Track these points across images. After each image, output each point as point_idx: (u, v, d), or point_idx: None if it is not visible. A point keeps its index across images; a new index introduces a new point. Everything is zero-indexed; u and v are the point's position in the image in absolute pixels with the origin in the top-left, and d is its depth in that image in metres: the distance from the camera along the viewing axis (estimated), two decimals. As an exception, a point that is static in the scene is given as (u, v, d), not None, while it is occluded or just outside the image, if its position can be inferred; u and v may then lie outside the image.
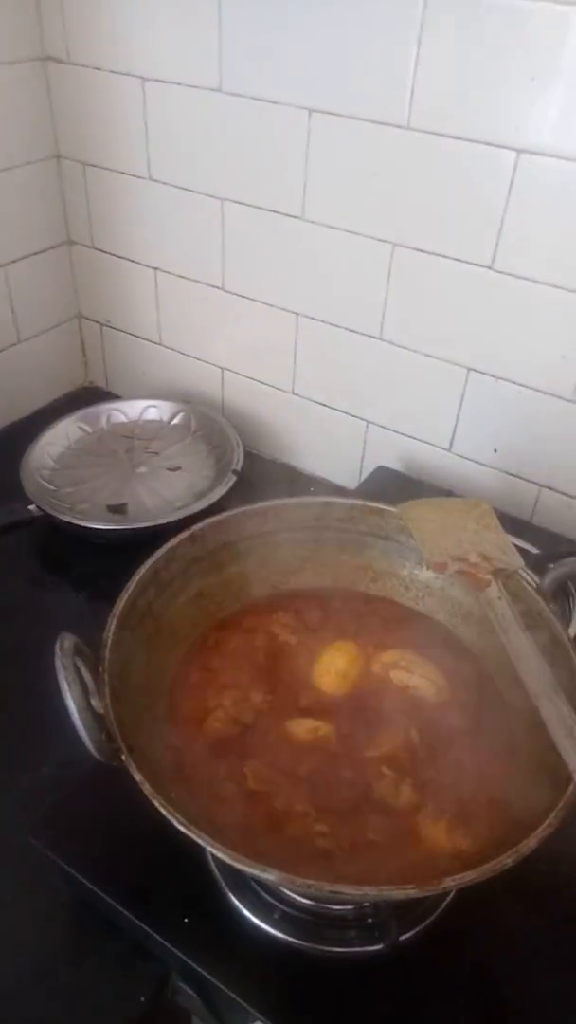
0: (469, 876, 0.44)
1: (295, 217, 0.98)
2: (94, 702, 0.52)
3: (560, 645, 0.59)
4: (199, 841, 0.45)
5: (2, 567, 1.00)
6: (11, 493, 1.02)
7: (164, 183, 1.08)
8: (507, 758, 0.59)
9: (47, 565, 1.02)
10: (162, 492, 1.06)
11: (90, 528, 0.98)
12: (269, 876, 0.44)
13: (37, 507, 0.99)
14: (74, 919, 0.66)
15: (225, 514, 0.68)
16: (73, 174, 1.17)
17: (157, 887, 0.61)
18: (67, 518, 0.98)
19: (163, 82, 1.00)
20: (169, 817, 0.46)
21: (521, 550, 0.86)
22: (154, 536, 0.68)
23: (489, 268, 0.87)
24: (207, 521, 0.67)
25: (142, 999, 0.62)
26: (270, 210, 1.00)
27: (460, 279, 0.89)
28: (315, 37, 0.85)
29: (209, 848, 0.45)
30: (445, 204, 0.86)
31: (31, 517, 0.99)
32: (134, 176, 1.10)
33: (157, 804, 0.46)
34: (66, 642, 0.50)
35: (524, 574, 0.65)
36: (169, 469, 1.11)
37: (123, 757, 0.49)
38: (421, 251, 0.90)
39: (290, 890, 0.43)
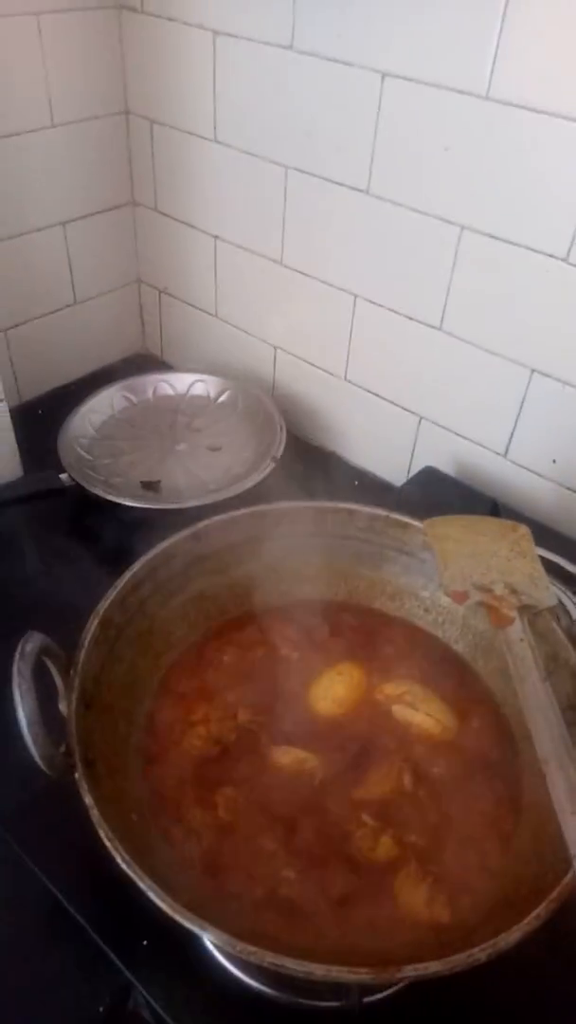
0: (432, 967, 0.39)
1: (360, 191, 0.91)
2: (62, 707, 0.49)
3: (585, 700, 0.52)
4: (137, 882, 0.41)
5: (30, 534, 0.98)
6: (51, 459, 0.99)
7: (229, 146, 1.02)
8: (510, 818, 0.52)
9: (74, 537, 1.00)
10: (198, 472, 1.02)
11: (119, 504, 0.95)
12: (208, 936, 0.40)
13: (69, 477, 0.97)
14: (47, 914, 0.64)
15: (235, 513, 0.63)
16: (140, 132, 1.12)
17: (120, 900, 0.58)
18: (97, 491, 0.95)
19: (234, 36, 0.94)
20: (114, 853, 0.42)
21: (569, 575, 0.79)
22: (183, 518, 0.65)
23: (564, 260, 0.78)
24: (214, 519, 0.62)
25: (100, 1009, 0.60)
26: (335, 181, 0.93)
27: (531, 271, 0.80)
28: (396, -6, 0.78)
29: (148, 892, 0.41)
30: (521, 186, 0.78)
31: (62, 487, 0.97)
32: (200, 137, 1.05)
33: (102, 835, 0.43)
34: (28, 645, 0.47)
35: (566, 602, 0.58)
36: (209, 448, 1.07)
37: (76, 775, 0.45)
38: (490, 236, 0.82)
39: (232, 952, 0.39)
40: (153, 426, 1.11)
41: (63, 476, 0.97)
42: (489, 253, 0.83)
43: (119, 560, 0.93)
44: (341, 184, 0.92)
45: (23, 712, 0.44)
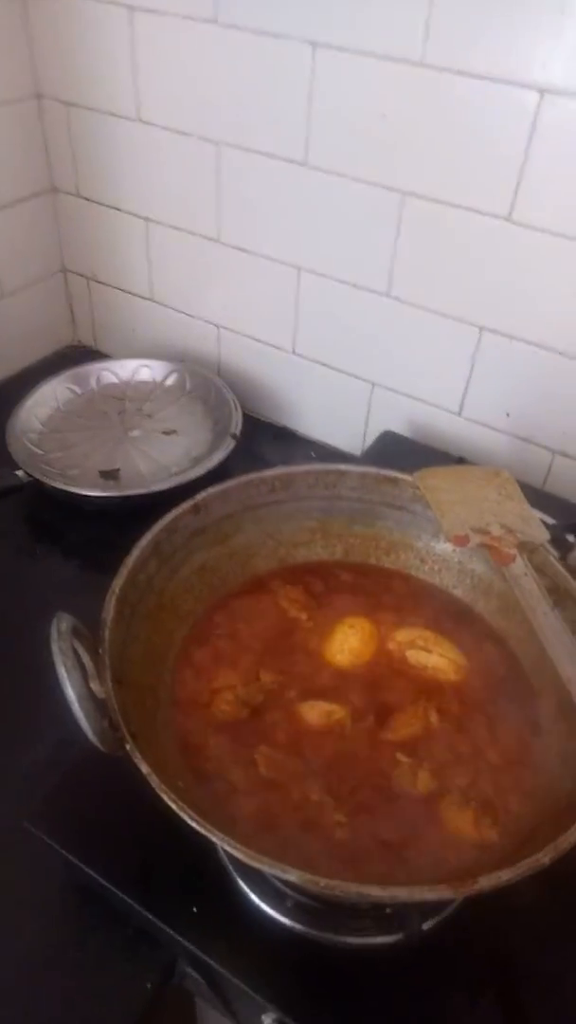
0: (505, 875, 0.41)
1: (297, 163, 0.92)
2: (94, 687, 0.49)
3: (590, 623, 0.56)
4: (214, 839, 0.42)
5: (-7, 534, 0.95)
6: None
7: (155, 125, 1.01)
8: (534, 743, 0.56)
9: (36, 534, 0.97)
10: (157, 457, 1.02)
11: (82, 495, 0.93)
12: (291, 877, 0.41)
13: (25, 472, 0.94)
14: (76, 905, 0.63)
15: (230, 483, 0.64)
16: (55, 115, 1.09)
17: (162, 874, 0.59)
18: (57, 484, 0.93)
19: (153, 12, 0.93)
20: (181, 814, 0.42)
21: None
22: (150, 503, 0.64)
23: (507, 219, 0.81)
24: (211, 490, 0.63)
25: (148, 986, 0.60)
26: (270, 155, 0.93)
27: (475, 231, 0.84)
28: (321, -38, 0.79)
29: (224, 845, 0.41)
30: (460, 149, 0.81)
31: (20, 483, 0.94)
32: (122, 117, 1.03)
33: (167, 799, 0.43)
34: (63, 624, 0.46)
35: (548, 547, 0.62)
36: (164, 432, 1.06)
37: (127, 747, 0.45)
38: (433, 201, 0.85)
39: (315, 890, 0.40)
40: (102, 415, 1.09)
41: (19, 472, 0.95)
42: (432, 217, 0.86)
43: (90, 551, 0.93)
44: (277, 157, 0.93)
45: (71, 689, 0.44)
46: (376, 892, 0.40)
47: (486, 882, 0.41)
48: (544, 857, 0.42)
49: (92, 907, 0.61)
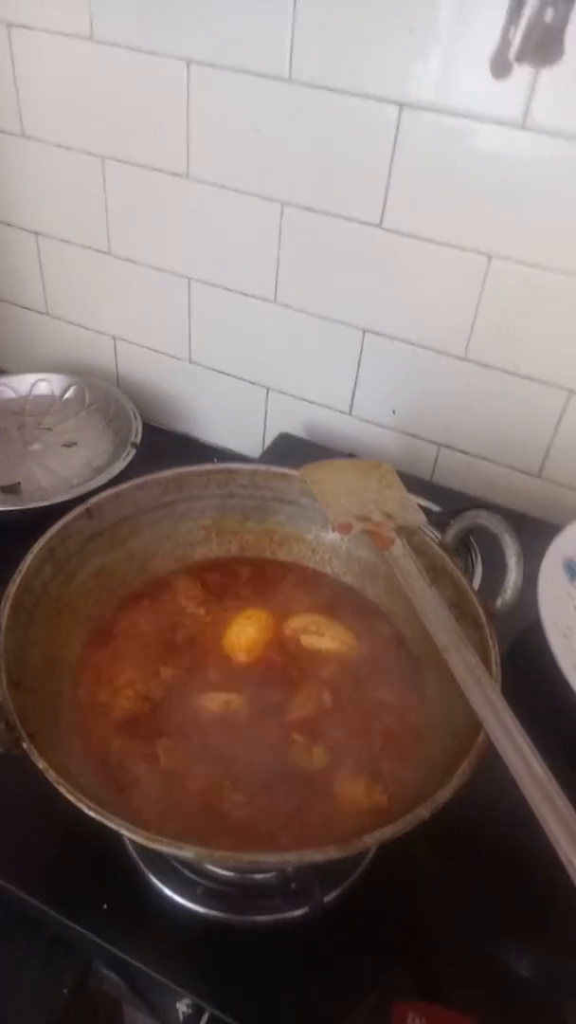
0: (388, 831, 0.44)
1: (180, 176, 0.94)
2: (-10, 691, 0.49)
3: (464, 597, 0.60)
4: (110, 824, 0.43)
5: None
6: None
7: (39, 140, 1.01)
8: (419, 712, 0.59)
9: None
10: (58, 469, 1.02)
11: (-19, 511, 0.92)
12: (186, 853, 0.42)
13: None
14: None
15: (123, 486, 0.65)
16: None
17: (72, 875, 0.59)
18: (-45, 502, 0.93)
19: (30, 28, 0.93)
20: (78, 803, 0.44)
21: (424, 508, 0.87)
22: (51, 516, 0.65)
23: (378, 226, 0.86)
24: (104, 494, 0.64)
25: (64, 991, 0.60)
26: (154, 168, 0.96)
27: (350, 238, 0.88)
28: (190, -16, 0.82)
29: (121, 830, 0.43)
30: (331, 161, 0.85)
31: None
32: (6, 133, 1.03)
33: (63, 791, 0.44)
34: (-46, 631, 0.47)
35: (427, 530, 0.66)
36: (64, 445, 1.06)
37: (24, 745, 0.46)
38: (310, 210, 0.89)
39: (210, 864, 0.42)
40: (1, 431, 1.08)
41: None
42: (311, 225, 0.89)
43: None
44: (160, 170, 0.95)
45: (-37, 692, 0.45)
46: (267, 858, 0.43)
47: (370, 839, 0.44)
48: (424, 811, 0.45)
49: (3, 916, 0.61)
